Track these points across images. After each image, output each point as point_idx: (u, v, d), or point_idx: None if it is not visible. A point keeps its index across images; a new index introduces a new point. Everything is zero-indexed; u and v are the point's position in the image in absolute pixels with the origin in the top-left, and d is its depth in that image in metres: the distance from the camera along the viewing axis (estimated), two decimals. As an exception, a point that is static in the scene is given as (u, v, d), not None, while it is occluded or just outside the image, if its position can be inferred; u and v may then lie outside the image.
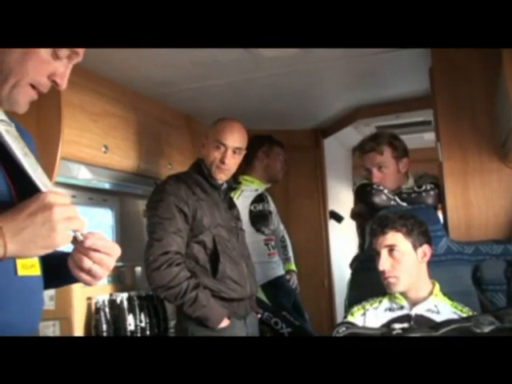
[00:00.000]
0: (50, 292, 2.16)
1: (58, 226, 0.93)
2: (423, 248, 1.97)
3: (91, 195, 2.81)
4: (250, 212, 2.98)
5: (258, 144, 3.14)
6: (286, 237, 3.37)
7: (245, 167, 3.05)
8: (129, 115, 2.62)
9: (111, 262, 1.05)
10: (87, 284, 1.09)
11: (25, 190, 1.00)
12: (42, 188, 0.99)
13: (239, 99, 3.03)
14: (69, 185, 2.51)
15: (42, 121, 2.17)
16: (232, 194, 2.86)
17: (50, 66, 1.07)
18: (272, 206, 3.19)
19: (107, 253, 1.04)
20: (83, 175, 2.39)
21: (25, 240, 0.92)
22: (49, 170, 2.10)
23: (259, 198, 3.07)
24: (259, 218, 3.00)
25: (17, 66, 1.03)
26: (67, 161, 2.24)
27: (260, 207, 3.03)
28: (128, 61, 2.37)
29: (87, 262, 1.02)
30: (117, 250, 1.06)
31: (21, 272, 1.02)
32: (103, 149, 2.39)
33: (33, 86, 1.07)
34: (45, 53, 1.05)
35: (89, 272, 1.04)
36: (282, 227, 3.35)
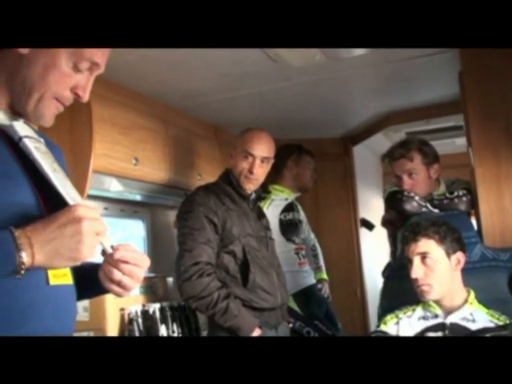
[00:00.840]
0: (84, 303, 2.19)
1: (86, 240, 0.95)
2: (457, 255, 1.93)
3: (123, 207, 2.85)
4: (280, 221, 2.97)
5: (287, 153, 3.14)
6: (317, 245, 3.35)
7: (274, 176, 3.05)
8: (158, 128, 2.66)
9: (141, 273, 1.06)
10: (118, 295, 1.11)
11: (54, 203, 1.02)
12: (71, 202, 1.01)
13: (267, 109, 3.04)
14: (101, 197, 2.56)
15: (74, 135, 2.22)
16: (262, 204, 2.86)
17: (71, 79, 1.08)
18: (302, 215, 3.18)
19: (137, 264, 1.05)
20: (115, 187, 2.43)
21: (52, 251, 0.94)
22: (81, 183, 2.14)
23: (289, 207, 3.06)
24: (289, 227, 2.99)
25: (39, 80, 1.05)
26: (99, 174, 2.28)
27: (290, 216, 3.03)
28: (157, 74, 2.41)
29: (117, 274, 1.04)
30: (146, 261, 1.07)
31: (52, 281, 1.03)
32: (134, 161, 2.42)
33: (57, 99, 1.08)
34: (65, 66, 1.06)
35: (119, 284, 1.06)
36: (312, 236, 3.33)
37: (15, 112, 1.09)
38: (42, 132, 1.19)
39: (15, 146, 1.05)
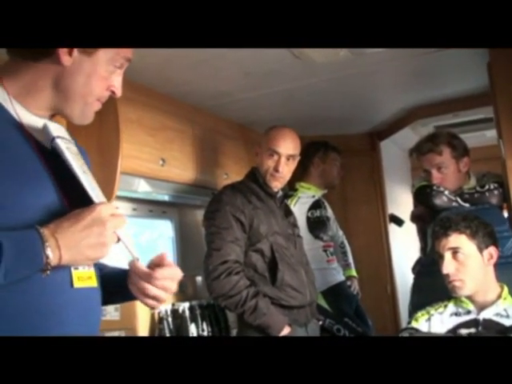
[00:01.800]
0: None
1: (109, 240, 0.99)
2: (489, 250, 1.89)
3: (151, 207, 2.88)
4: (308, 219, 2.96)
5: (313, 150, 3.13)
6: (346, 242, 3.33)
7: (301, 174, 3.04)
8: (185, 128, 2.68)
9: (174, 286, 1.10)
10: (152, 307, 1.14)
11: (79, 205, 1.04)
12: (95, 201, 1.04)
13: (293, 106, 3.03)
14: (129, 198, 2.59)
15: (102, 137, 2.25)
16: (289, 201, 2.85)
17: (108, 80, 1.13)
18: (330, 212, 3.16)
19: (171, 278, 1.09)
20: (143, 188, 2.45)
21: (77, 252, 0.97)
22: (109, 185, 2.17)
23: (316, 205, 3.04)
24: (317, 225, 2.98)
25: (83, 88, 1.10)
26: (127, 175, 2.31)
27: (317, 213, 3.01)
28: (183, 75, 2.42)
29: (152, 290, 1.08)
30: (179, 274, 1.11)
31: (77, 284, 1.05)
32: (161, 162, 2.45)
33: (97, 100, 1.14)
34: (105, 71, 1.11)
35: (153, 297, 1.10)
36: (340, 233, 3.31)
37: (52, 115, 1.14)
38: (72, 135, 1.22)
39: (41, 147, 1.08)
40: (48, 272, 0.95)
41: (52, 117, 1.16)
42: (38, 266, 0.93)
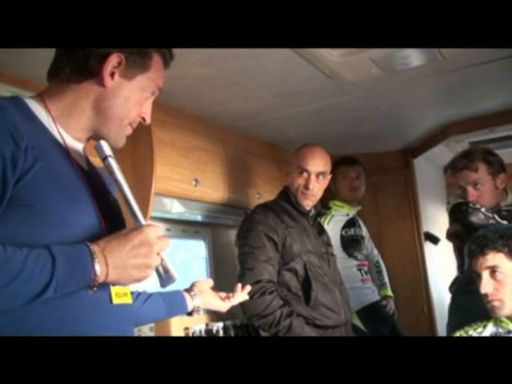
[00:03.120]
0: (150, 323, 2.23)
1: (154, 262, 1.02)
2: (529, 268, 1.84)
3: (184, 227, 2.90)
4: (342, 237, 2.94)
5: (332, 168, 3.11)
6: (381, 262, 3.28)
7: (333, 192, 3.03)
8: (217, 148, 2.70)
9: None
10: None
11: (113, 223, 1.10)
12: (144, 223, 1.07)
13: (325, 125, 3.03)
14: (163, 219, 2.61)
15: (136, 159, 2.30)
16: (322, 220, 2.84)
17: (142, 106, 1.19)
18: (364, 231, 3.13)
19: None
20: (176, 209, 2.48)
21: (123, 271, 1.00)
22: (144, 206, 2.21)
23: (350, 223, 3.02)
24: (351, 243, 2.95)
25: (121, 111, 1.15)
26: (161, 196, 2.35)
27: (351, 232, 2.99)
28: (215, 97, 2.46)
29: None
30: None
31: (116, 301, 1.08)
32: (194, 182, 2.47)
33: (130, 124, 1.19)
34: (140, 97, 1.17)
35: None
36: (376, 252, 3.27)
37: (87, 140, 1.20)
38: (98, 166, 1.28)
39: (81, 168, 1.13)
40: (95, 289, 0.99)
41: (87, 140, 1.20)
42: (86, 282, 0.97)
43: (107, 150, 1.13)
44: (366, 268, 3.02)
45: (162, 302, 1.44)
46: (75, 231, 1.02)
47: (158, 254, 1.03)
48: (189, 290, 1.53)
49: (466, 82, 2.58)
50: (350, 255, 2.94)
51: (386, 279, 3.25)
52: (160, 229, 1.05)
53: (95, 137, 1.18)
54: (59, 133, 1.11)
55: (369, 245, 3.18)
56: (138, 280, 1.03)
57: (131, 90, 1.15)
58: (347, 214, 3.05)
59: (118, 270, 0.99)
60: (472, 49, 2.06)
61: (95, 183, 1.16)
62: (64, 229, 1.01)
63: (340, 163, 3.17)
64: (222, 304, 1.60)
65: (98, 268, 0.96)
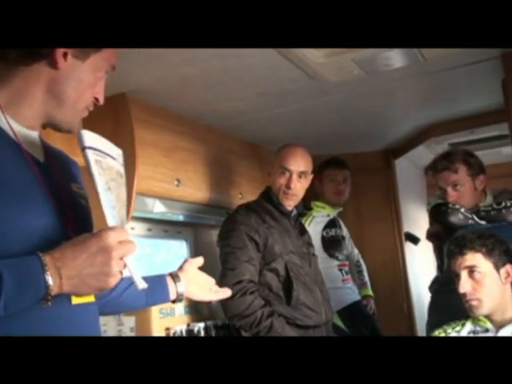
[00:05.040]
0: (131, 323, 2.23)
1: (115, 270, 0.94)
2: (506, 268, 1.87)
3: (166, 227, 2.89)
4: (323, 238, 2.95)
5: (317, 169, 3.11)
6: (362, 261, 3.31)
7: (315, 193, 3.04)
8: (199, 148, 2.70)
9: None
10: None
11: (79, 224, 1.04)
12: (110, 225, 0.98)
13: (307, 125, 3.04)
14: (144, 218, 2.60)
15: (118, 159, 2.28)
16: (303, 220, 2.85)
17: (96, 87, 1.13)
18: (345, 231, 3.15)
19: None
20: (158, 209, 2.47)
21: (80, 282, 0.93)
22: (126, 206, 2.19)
23: (331, 224, 3.03)
24: (332, 244, 2.97)
25: (76, 93, 1.09)
26: (142, 196, 2.33)
27: (332, 232, 3.00)
28: (199, 97, 2.45)
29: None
30: None
31: (75, 301, 1.03)
32: (176, 182, 2.47)
33: (85, 107, 1.13)
34: (94, 77, 1.11)
35: None
36: (356, 252, 3.29)
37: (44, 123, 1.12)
38: (60, 150, 1.23)
39: (36, 161, 1.07)
40: (49, 303, 0.92)
41: (42, 128, 1.14)
42: (39, 296, 0.90)
43: (88, 141, 1.01)
44: (346, 268, 3.04)
45: (143, 292, 1.29)
46: (31, 237, 0.96)
47: (121, 259, 0.95)
48: (174, 276, 1.40)
49: (447, 83, 2.61)
50: (331, 256, 2.95)
51: (367, 279, 3.28)
52: (124, 232, 0.97)
53: (49, 124, 1.11)
54: (8, 123, 1.02)
55: (349, 245, 3.20)
56: (100, 289, 0.97)
57: (85, 71, 1.08)
58: (328, 215, 3.06)
59: (73, 281, 0.92)
60: (453, 51, 2.09)
61: (55, 177, 1.08)
62: (19, 236, 0.94)
63: (329, 164, 3.15)
64: (204, 296, 1.47)
65: (50, 280, 0.89)
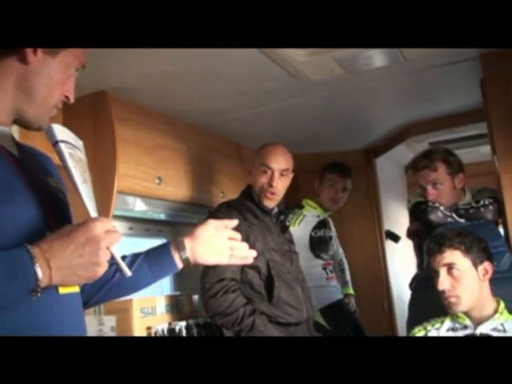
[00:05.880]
0: (111, 323, 2.21)
1: (103, 259, 0.96)
2: (484, 265, 1.90)
3: (147, 226, 2.88)
4: (311, 238, 2.95)
5: (321, 170, 3.12)
6: (344, 260, 3.32)
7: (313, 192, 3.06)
8: (180, 147, 2.69)
9: None
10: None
11: (60, 216, 1.05)
12: (93, 215, 1.01)
13: (288, 124, 3.05)
14: (125, 217, 2.59)
15: (98, 157, 2.26)
16: (294, 219, 2.86)
17: (66, 85, 1.13)
18: (333, 232, 3.15)
19: None
20: (139, 207, 2.45)
21: (70, 273, 0.94)
22: (106, 204, 2.18)
23: (321, 224, 3.02)
24: (319, 245, 2.97)
25: (45, 90, 1.09)
26: (123, 194, 2.31)
27: (321, 233, 3.00)
28: (180, 95, 2.44)
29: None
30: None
31: (62, 290, 1.03)
32: (157, 181, 2.45)
33: (55, 104, 1.13)
34: (64, 75, 1.11)
35: None
36: (340, 251, 3.31)
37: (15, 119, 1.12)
38: (32, 146, 1.22)
39: (12, 156, 1.07)
40: (38, 294, 0.92)
41: (12, 124, 1.13)
42: (29, 288, 0.90)
43: (59, 135, 1.04)
44: (331, 267, 3.05)
45: (146, 268, 1.28)
46: (16, 230, 0.97)
47: (108, 248, 0.96)
48: (179, 243, 1.32)
49: (427, 83, 2.64)
50: (317, 256, 2.96)
51: (348, 277, 3.30)
52: (108, 222, 0.98)
53: (19, 120, 1.11)
54: None
55: (335, 244, 3.21)
56: (89, 279, 0.98)
57: (55, 67, 1.09)
58: (318, 216, 3.05)
59: (62, 272, 0.92)
60: (433, 51, 2.11)
61: (31, 171, 1.08)
62: (3, 228, 0.95)
63: (333, 169, 3.11)
64: (212, 259, 1.37)
65: (39, 272, 0.90)
